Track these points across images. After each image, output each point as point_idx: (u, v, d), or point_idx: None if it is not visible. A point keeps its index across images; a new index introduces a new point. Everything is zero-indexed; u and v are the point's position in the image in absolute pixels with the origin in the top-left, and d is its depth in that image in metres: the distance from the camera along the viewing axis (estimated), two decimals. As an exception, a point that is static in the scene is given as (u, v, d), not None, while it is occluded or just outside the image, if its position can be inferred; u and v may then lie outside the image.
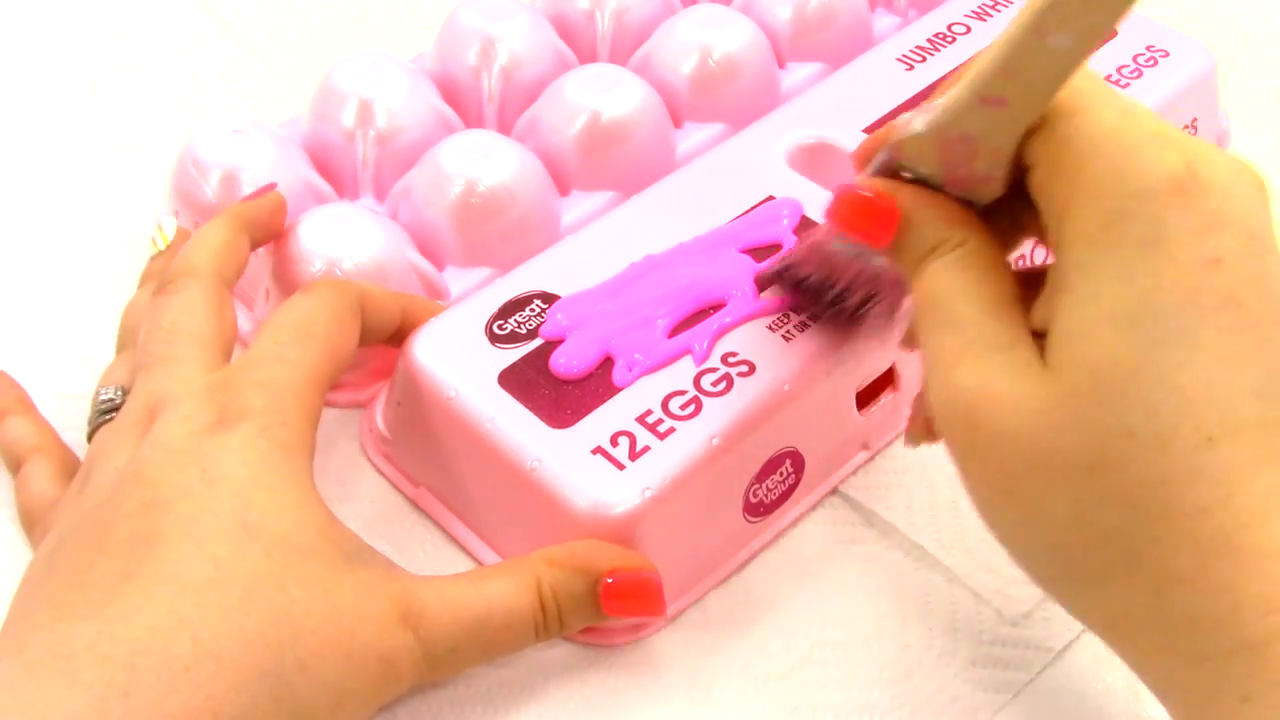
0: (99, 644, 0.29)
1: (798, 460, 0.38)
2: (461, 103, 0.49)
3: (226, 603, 0.30)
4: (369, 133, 0.46)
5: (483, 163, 0.44)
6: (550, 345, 0.38)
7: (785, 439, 0.38)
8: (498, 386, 0.37)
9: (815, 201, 0.42)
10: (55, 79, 0.56)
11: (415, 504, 0.40)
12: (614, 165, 0.47)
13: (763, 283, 0.39)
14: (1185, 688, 0.27)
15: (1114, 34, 0.49)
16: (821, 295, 0.36)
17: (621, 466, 0.35)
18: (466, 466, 0.38)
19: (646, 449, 0.36)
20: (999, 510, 0.29)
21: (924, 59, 0.48)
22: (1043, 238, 0.31)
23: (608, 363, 0.38)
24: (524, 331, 0.39)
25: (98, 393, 0.37)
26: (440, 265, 0.44)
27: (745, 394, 0.37)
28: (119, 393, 0.37)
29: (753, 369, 0.37)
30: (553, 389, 0.37)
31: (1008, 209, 0.31)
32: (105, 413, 0.37)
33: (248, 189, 0.44)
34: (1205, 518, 0.26)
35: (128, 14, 0.59)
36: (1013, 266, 0.31)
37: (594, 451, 0.36)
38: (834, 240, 0.35)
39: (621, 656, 0.36)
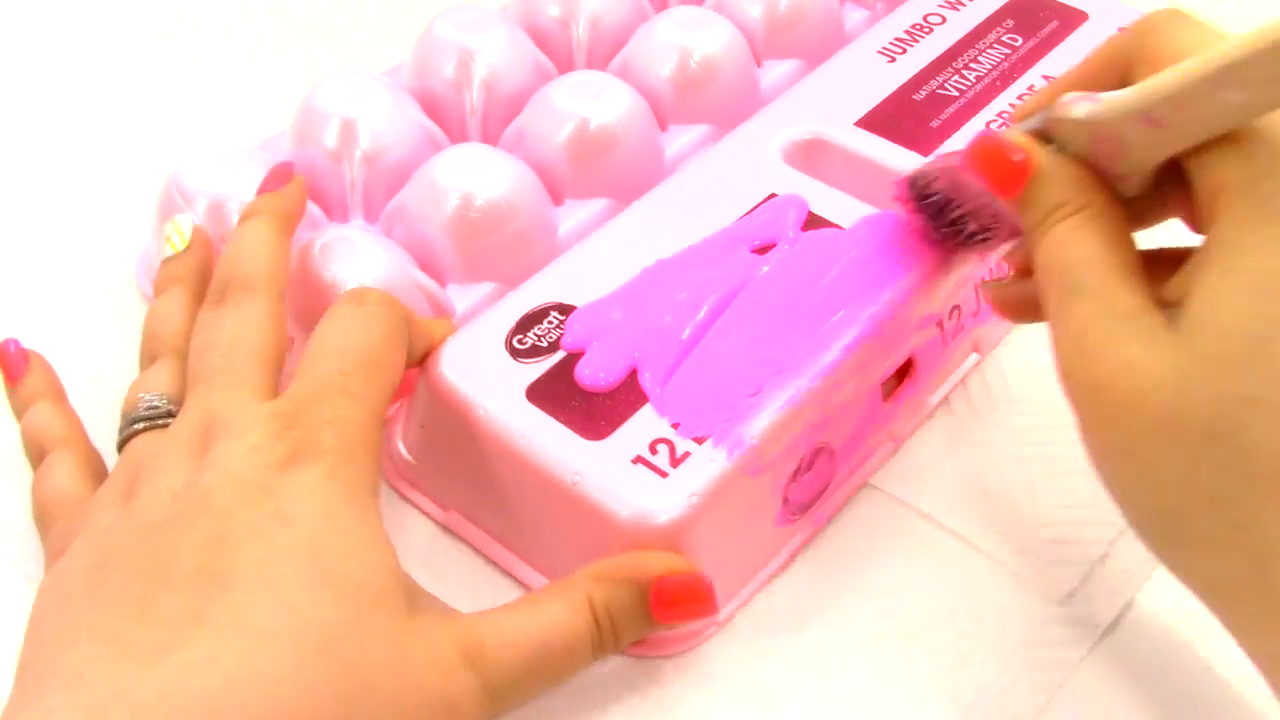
0: (174, 695, 0.28)
1: (830, 456, 0.38)
2: (443, 117, 0.48)
3: (300, 654, 0.29)
4: (355, 154, 0.45)
5: (478, 176, 0.43)
6: (573, 357, 0.38)
7: (818, 435, 0.37)
8: (527, 402, 0.37)
9: (817, 196, 0.42)
10: (24, 111, 0.54)
11: (446, 528, 0.39)
12: (606, 172, 0.46)
13: (899, 185, 0.39)
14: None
15: (1086, 17, 0.50)
16: (943, 213, 0.37)
17: (664, 474, 0.35)
18: (502, 485, 0.37)
19: (687, 455, 0.35)
20: (1115, 468, 0.30)
21: (904, 50, 0.49)
22: (1187, 219, 0.32)
23: (635, 371, 0.37)
24: (545, 344, 0.38)
25: (138, 398, 0.36)
26: (442, 283, 0.43)
27: (776, 393, 0.37)
28: (163, 400, 0.35)
29: (780, 366, 0.37)
30: (583, 401, 0.37)
31: (1138, 199, 0.32)
32: (146, 420, 0.35)
33: (235, 218, 0.43)
34: None
35: (87, 44, 0.57)
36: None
37: (634, 461, 0.35)
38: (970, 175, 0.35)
39: (675, 666, 0.36)
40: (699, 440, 0.36)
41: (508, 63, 0.48)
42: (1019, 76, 0.47)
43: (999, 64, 0.48)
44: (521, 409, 0.37)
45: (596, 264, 0.41)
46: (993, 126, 0.44)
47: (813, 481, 0.38)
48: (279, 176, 0.40)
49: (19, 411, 0.39)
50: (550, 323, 0.39)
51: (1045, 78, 0.47)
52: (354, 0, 0.60)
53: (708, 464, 0.35)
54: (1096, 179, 0.31)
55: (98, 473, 0.36)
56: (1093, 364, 0.29)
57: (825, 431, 0.38)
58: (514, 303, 0.40)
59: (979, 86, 0.47)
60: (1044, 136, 0.32)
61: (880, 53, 0.49)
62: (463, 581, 0.38)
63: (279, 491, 0.31)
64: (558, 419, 0.36)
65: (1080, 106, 0.31)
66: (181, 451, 0.32)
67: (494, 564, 0.38)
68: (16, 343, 0.40)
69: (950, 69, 0.48)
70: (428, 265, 0.43)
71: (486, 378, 0.37)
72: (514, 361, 0.38)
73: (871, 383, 0.39)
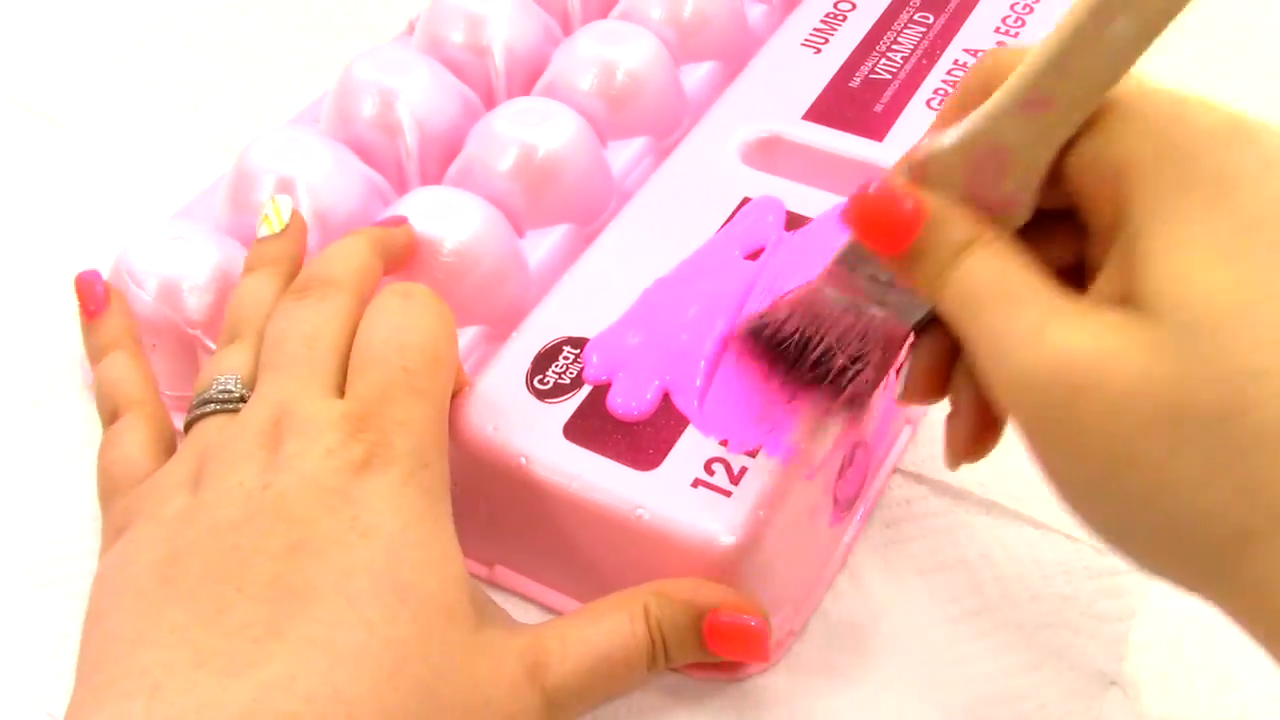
0: (256, 713, 0.27)
1: (865, 448, 0.38)
2: (376, 163, 0.46)
3: (378, 674, 0.28)
4: (305, 215, 0.43)
5: (447, 221, 0.42)
6: (600, 390, 0.37)
7: (855, 429, 0.38)
8: (567, 442, 0.36)
9: (788, 194, 0.42)
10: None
11: (492, 584, 0.38)
12: (562, 198, 0.45)
13: (740, 339, 0.35)
14: None
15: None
16: (803, 356, 0.33)
17: (728, 493, 0.34)
18: (555, 531, 0.36)
19: (745, 470, 0.35)
20: (1109, 485, 0.25)
21: (826, 40, 0.49)
22: (1090, 249, 0.29)
23: (667, 394, 0.37)
24: (568, 381, 0.37)
25: (213, 379, 0.34)
26: (425, 335, 0.42)
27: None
28: (238, 384, 0.34)
29: (807, 368, 0.37)
30: (624, 433, 0.36)
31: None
32: (218, 402, 0.33)
33: (189, 300, 0.41)
34: None
35: None
36: None
37: (694, 484, 0.35)
38: (826, 289, 0.32)
39: (761, 680, 0.35)
40: (751, 453, 0.35)
41: (436, 100, 0.47)
42: (941, 53, 0.48)
43: (919, 43, 0.49)
44: (564, 450, 0.36)
45: (593, 291, 0.40)
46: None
47: (854, 476, 0.38)
48: (392, 220, 0.40)
49: (94, 356, 0.37)
50: (566, 358, 0.38)
51: (967, 50, 0.48)
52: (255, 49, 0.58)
53: (767, 475, 0.35)
54: (987, 216, 0.28)
55: (169, 443, 0.35)
56: (1062, 367, 0.25)
57: (859, 425, 0.38)
58: (522, 343, 0.38)
59: (908, 67, 0.48)
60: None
61: (804, 45, 0.49)
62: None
63: (356, 499, 0.30)
64: (604, 455, 0.35)
65: (946, 134, 0.28)
66: (252, 444, 0.31)
67: (552, 611, 0.37)
68: (99, 275, 0.38)
69: (875, 53, 0.49)
70: (405, 318, 0.42)
71: (518, 424, 0.36)
72: (541, 403, 0.37)
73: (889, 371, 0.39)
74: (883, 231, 0.29)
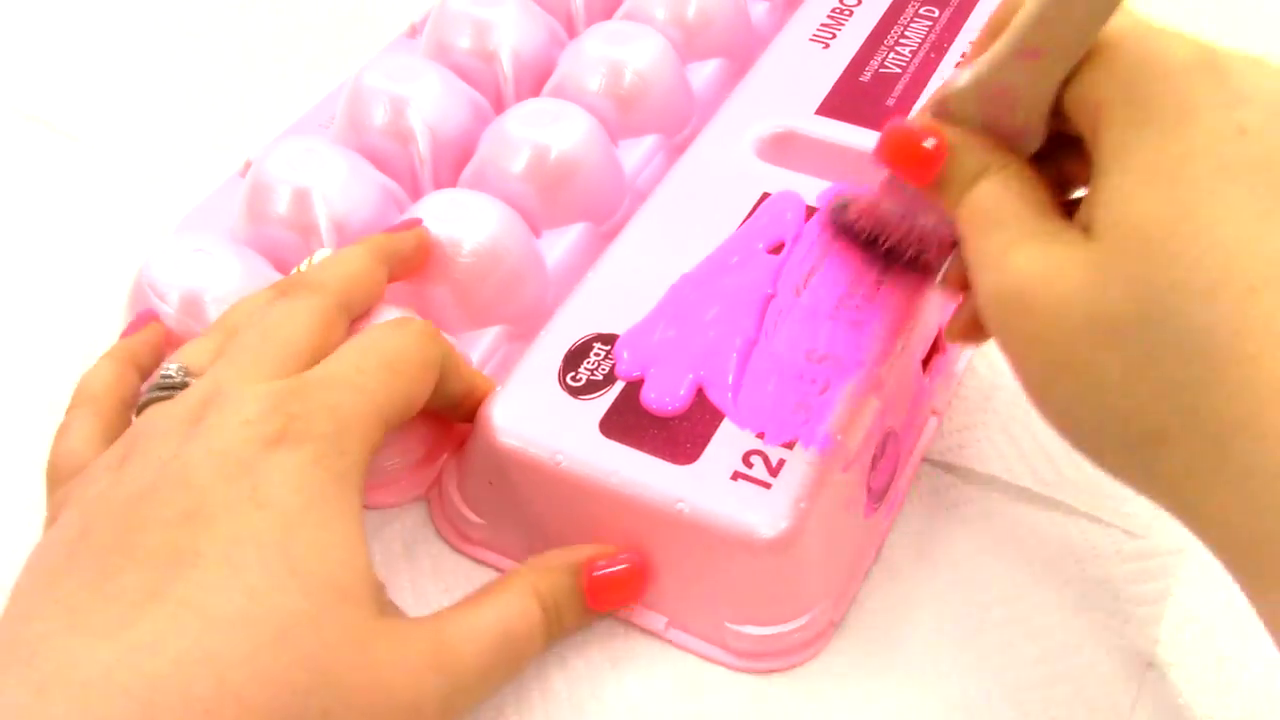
0: (117, 673, 0.27)
1: (896, 439, 0.39)
2: (389, 170, 0.46)
3: (257, 640, 0.28)
4: (323, 224, 0.43)
5: (463, 223, 0.42)
6: (633, 385, 0.37)
7: (886, 420, 0.38)
8: (604, 438, 0.36)
9: (805, 188, 0.43)
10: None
11: (530, 583, 0.38)
12: (576, 197, 0.45)
13: (826, 222, 0.39)
14: (1249, 543, 0.27)
15: None
16: (875, 248, 0.37)
17: (767, 485, 0.35)
18: (593, 526, 0.36)
19: (783, 462, 0.35)
20: (1053, 386, 0.29)
21: (834, 35, 0.49)
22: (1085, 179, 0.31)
23: (700, 389, 0.37)
24: (600, 377, 0.37)
25: (163, 366, 0.34)
26: (449, 334, 0.42)
27: (843, 386, 0.37)
28: (180, 371, 0.34)
29: (838, 361, 0.37)
30: (660, 427, 0.36)
31: (1049, 163, 0.32)
32: (161, 389, 0.34)
33: (212, 308, 0.40)
34: (1257, 365, 0.26)
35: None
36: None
37: (734, 477, 0.35)
38: (884, 201, 0.36)
39: (801, 673, 0.36)
40: (788, 445, 0.35)
41: (446, 106, 0.47)
42: (949, 46, 0.49)
43: (926, 36, 0.49)
44: (601, 446, 0.36)
45: (619, 289, 0.40)
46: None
47: (886, 467, 0.38)
48: (406, 224, 0.41)
49: None
50: (597, 354, 0.38)
51: (974, 44, 0.49)
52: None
53: (805, 466, 0.35)
54: (1002, 142, 0.31)
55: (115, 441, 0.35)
56: (1016, 284, 0.29)
57: (890, 415, 0.38)
58: (552, 340, 0.38)
59: (916, 61, 0.48)
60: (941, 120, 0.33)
61: (812, 40, 0.49)
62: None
63: (258, 471, 0.30)
64: (642, 450, 0.35)
65: (963, 74, 0.31)
66: (179, 419, 0.32)
67: (591, 609, 0.37)
68: (156, 317, 0.40)
69: (884, 47, 0.49)
70: (430, 319, 0.41)
71: (553, 422, 0.36)
72: (575, 400, 0.37)
73: (915, 361, 0.40)
74: (910, 166, 0.32)
